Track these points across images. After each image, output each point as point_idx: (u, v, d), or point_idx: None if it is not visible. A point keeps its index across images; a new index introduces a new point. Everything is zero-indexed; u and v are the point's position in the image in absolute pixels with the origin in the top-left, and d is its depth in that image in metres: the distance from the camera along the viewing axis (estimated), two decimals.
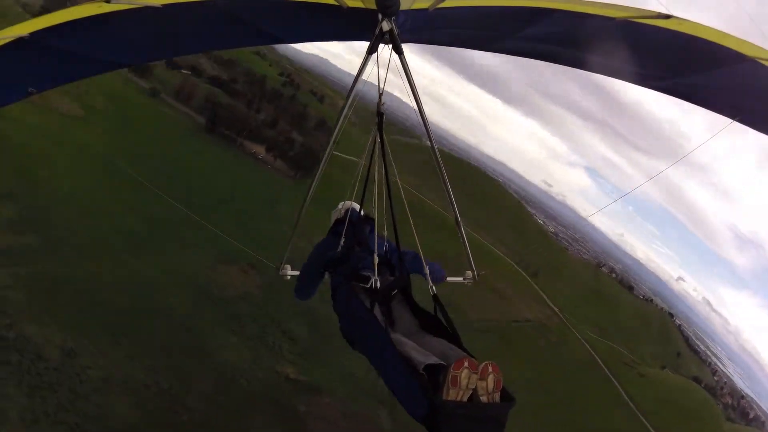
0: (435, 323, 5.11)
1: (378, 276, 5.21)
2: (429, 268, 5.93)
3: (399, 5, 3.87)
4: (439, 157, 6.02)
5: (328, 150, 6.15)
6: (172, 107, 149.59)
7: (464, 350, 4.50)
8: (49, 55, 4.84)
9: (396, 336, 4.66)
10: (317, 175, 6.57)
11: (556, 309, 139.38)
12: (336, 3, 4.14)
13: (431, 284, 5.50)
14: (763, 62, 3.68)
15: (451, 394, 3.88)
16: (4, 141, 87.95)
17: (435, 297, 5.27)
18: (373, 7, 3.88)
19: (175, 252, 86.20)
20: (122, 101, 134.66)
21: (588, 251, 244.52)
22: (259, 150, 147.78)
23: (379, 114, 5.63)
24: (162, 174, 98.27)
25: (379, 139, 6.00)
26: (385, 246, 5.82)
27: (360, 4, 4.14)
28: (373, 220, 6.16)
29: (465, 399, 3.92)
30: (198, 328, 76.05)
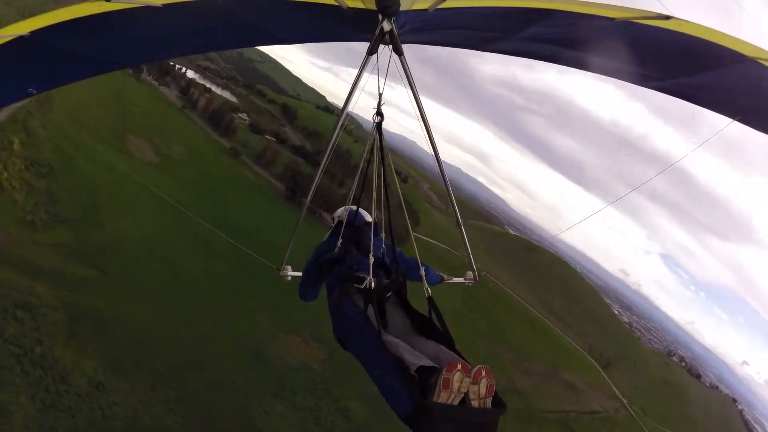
0: (428, 326, 5.21)
1: (373, 278, 5.26)
2: (424, 270, 6.06)
3: (399, 6, 3.93)
4: (440, 159, 5.88)
5: (328, 150, 6.36)
6: (252, 170, 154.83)
7: (457, 353, 4.61)
8: (49, 54, 4.92)
9: (388, 337, 4.73)
10: (318, 175, 6.76)
11: (624, 401, 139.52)
12: (336, 3, 4.16)
13: (426, 286, 5.63)
14: (763, 62, 3.72)
15: (442, 397, 3.92)
16: (75, 171, 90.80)
17: (430, 299, 5.33)
18: (373, 7, 3.94)
19: (237, 312, 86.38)
20: (200, 156, 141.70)
21: (659, 340, 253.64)
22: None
23: (379, 114, 5.72)
24: (233, 232, 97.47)
25: (378, 142, 6.15)
26: (382, 249, 6.02)
27: (360, 5, 4.17)
28: (374, 223, 6.34)
29: (456, 402, 3.96)
30: (244, 391, 75.34)
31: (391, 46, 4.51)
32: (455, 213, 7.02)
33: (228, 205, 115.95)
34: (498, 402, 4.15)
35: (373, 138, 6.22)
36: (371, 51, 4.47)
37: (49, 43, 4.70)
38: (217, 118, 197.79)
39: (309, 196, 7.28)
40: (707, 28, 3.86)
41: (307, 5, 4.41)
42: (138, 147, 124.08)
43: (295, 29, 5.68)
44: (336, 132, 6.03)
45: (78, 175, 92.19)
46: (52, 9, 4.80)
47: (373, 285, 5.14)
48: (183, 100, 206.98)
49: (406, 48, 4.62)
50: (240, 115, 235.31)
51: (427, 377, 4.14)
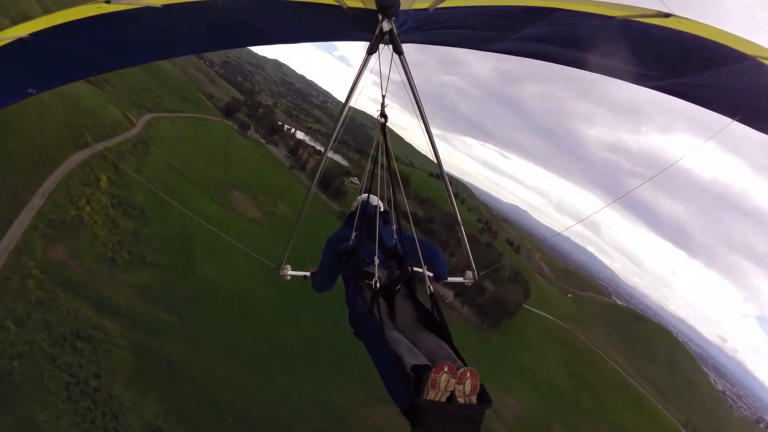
0: (433, 319, 5.51)
1: (384, 269, 5.81)
2: (435, 262, 6.77)
3: (399, 5, 4.03)
4: (440, 158, 6.08)
5: (327, 150, 6.95)
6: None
7: (453, 348, 5.01)
8: (49, 55, 5.04)
9: (392, 333, 5.14)
10: (318, 174, 7.17)
11: None
12: (336, 3, 4.28)
13: (428, 284, 6.05)
14: (763, 61, 3.71)
15: (431, 395, 4.34)
16: (169, 218, 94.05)
17: (432, 295, 5.68)
18: (373, 7, 4.05)
19: (323, 375, 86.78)
20: (306, 216, 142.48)
21: (748, 407, 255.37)
22: (448, 294, 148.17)
23: (383, 115, 5.89)
24: (332, 295, 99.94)
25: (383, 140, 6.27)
26: (395, 239, 6.23)
27: (360, 5, 4.30)
28: (388, 213, 6.73)
29: (443, 399, 4.38)
30: None
31: (391, 46, 4.59)
32: (455, 214, 7.06)
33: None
34: (483, 398, 4.54)
35: (378, 138, 6.39)
36: (371, 50, 4.57)
37: (49, 45, 4.85)
38: (327, 180, 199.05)
39: (309, 195, 7.48)
40: (707, 26, 3.90)
41: (307, 5, 4.56)
42: (241, 202, 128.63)
43: (296, 29, 5.79)
44: (336, 131, 6.30)
45: (171, 221, 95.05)
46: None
47: (379, 285, 5.46)
48: (291, 159, 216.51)
49: (407, 47, 4.72)
50: (351, 179, 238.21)
51: (422, 375, 4.48)
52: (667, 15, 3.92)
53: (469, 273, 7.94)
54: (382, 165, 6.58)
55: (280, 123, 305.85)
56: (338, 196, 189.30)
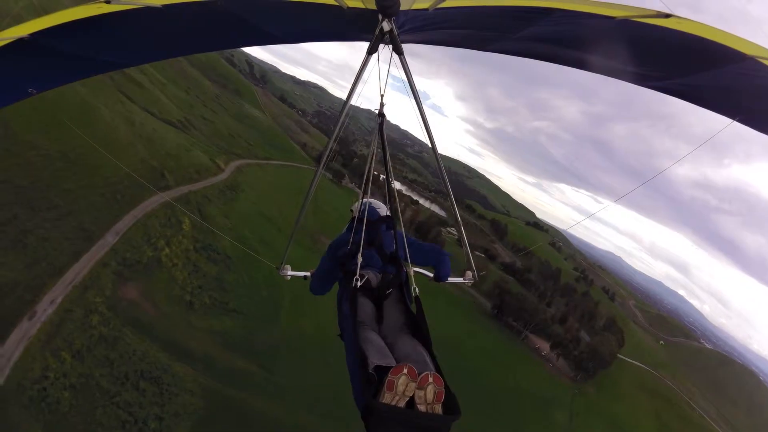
0: (418, 324, 5.51)
1: (379, 274, 5.99)
2: (441, 266, 7.05)
3: (399, 5, 4.06)
4: (440, 158, 6.16)
5: (328, 149, 6.67)
6: (458, 287, 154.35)
7: (431, 355, 4.92)
8: (49, 55, 5.25)
9: (368, 334, 5.20)
10: (317, 174, 6.96)
11: None
12: (336, 3, 4.38)
13: (413, 286, 6.11)
14: (763, 61, 3.76)
15: (386, 398, 4.20)
16: (256, 266, 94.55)
17: (417, 299, 5.85)
18: (373, 7, 4.09)
19: None
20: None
21: None
22: (543, 346, 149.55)
23: (381, 115, 6.17)
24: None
25: (379, 140, 6.55)
26: (395, 244, 6.35)
27: (360, 5, 4.37)
28: (390, 217, 6.81)
29: (401, 404, 4.23)
30: None
31: (391, 46, 4.67)
32: (455, 214, 7.46)
33: (429, 318, 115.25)
34: (450, 409, 4.34)
35: (375, 139, 6.69)
36: (371, 50, 4.64)
37: (50, 45, 5.02)
38: (423, 230, 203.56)
39: (310, 194, 7.45)
40: (707, 26, 3.92)
41: (308, 5, 4.61)
42: None
43: (296, 29, 5.89)
44: (337, 131, 6.37)
45: (259, 269, 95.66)
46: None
47: (359, 284, 5.58)
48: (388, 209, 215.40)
49: (408, 47, 4.81)
50: (448, 229, 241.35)
51: (384, 377, 4.34)
52: (668, 15, 3.95)
53: (468, 273, 8.16)
54: (377, 160, 6.96)
55: (375, 173, 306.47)
56: None
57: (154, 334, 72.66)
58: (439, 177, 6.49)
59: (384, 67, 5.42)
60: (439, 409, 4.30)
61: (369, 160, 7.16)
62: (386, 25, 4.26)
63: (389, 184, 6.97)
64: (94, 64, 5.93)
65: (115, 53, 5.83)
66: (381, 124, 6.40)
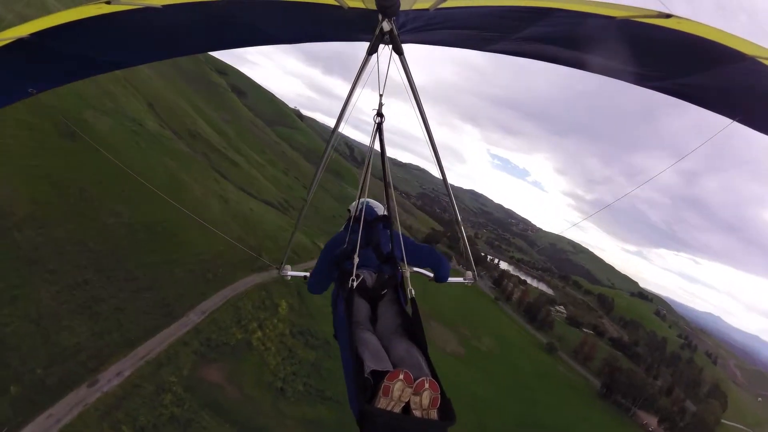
0: (414, 326, 5.81)
1: (374, 273, 6.43)
2: (440, 267, 7.52)
3: (399, 5, 4.32)
4: (439, 157, 6.63)
5: (327, 150, 7.20)
6: (567, 366, 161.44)
7: (426, 358, 5.22)
8: (49, 56, 5.72)
9: (364, 335, 5.53)
10: (318, 173, 7.54)
11: None
12: (336, 3, 4.66)
13: (409, 288, 6.33)
14: (763, 61, 3.95)
15: (382, 403, 4.48)
16: None
17: (413, 300, 6.05)
18: (373, 7, 4.35)
19: None
20: (511, 349, 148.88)
21: None
22: (651, 421, 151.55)
23: (379, 114, 6.41)
24: None
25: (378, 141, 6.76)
26: (390, 244, 6.76)
27: (360, 5, 4.64)
28: (386, 217, 7.18)
29: (396, 410, 4.52)
30: None
31: (391, 46, 4.95)
32: (455, 213, 7.88)
33: (537, 403, 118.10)
34: (446, 415, 4.62)
35: (373, 140, 6.86)
36: (371, 51, 4.94)
37: (49, 45, 5.49)
38: (533, 311, 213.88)
39: (310, 194, 8.17)
40: (707, 26, 4.14)
41: (307, 5, 4.96)
42: (441, 335, 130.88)
43: (295, 29, 6.27)
44: (334, 133, 6.92)
45: None
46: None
47: (355, 285, 5.94)
48: (496, 291, 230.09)
49: (407, 47, 5.10)
50: (557, 308, 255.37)
51: (379, 381, 4.61)
52: (668, 15, 4.18)
53: (469, 273, 8.68)
54: (384, 161, 7.16)
55: (483, 254, 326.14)
56: (544, 327, 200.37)
57: (237, 420, 73.40)
58: (443, 180, 6.96)
59: (384, 67, 5.65)
60: (434, 414, 4.57)
61: (367, 160, 7.51)
62: (386, 25, 4.51)
63: (386, 185, 7.28)
64: (94, 64, 6.38)
65: (115, 53, 6.27)
66: (380, 125, 6.60)
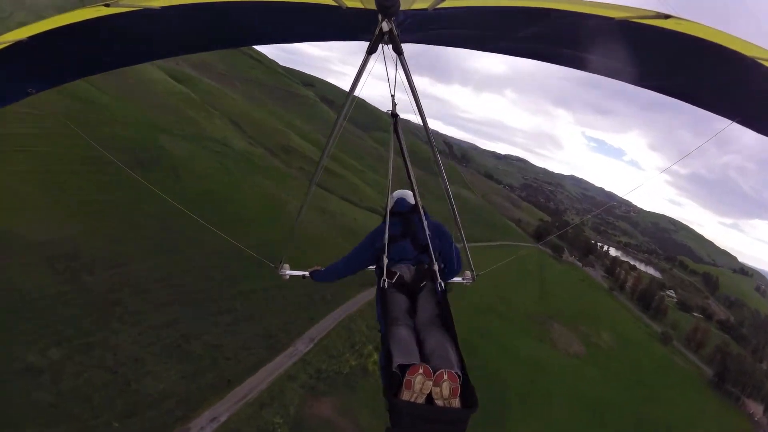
0: (445, 317, 6.68)
1: (413, 266, 7.42)
2: (452, 264, 8.27)
3: (399, 5, 4.61)
4: (438, 156, 7.22)
5: (327, 148, 7.63)
6: (681, 355, 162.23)
7: (456, 349, 6.02)
8: (48, 57, 6.26)
9: (399, 330, 6.36)
10: (317, 173, 8.37)
11: None
12: (335, 3, 5.05)
13: (439, 280, 7.25)
14: (762, 62, 4.25)
15: (405, 395, 5.29)
16: (489, 357, 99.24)
17: (444, 293, 7.03)
18: (373, 7, 4.64)
19: None
20: (629, 343, 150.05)
21: None
22: (757, 410, 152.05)
23: (394, 115, 7.48)
24: None
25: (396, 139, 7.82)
26: (429, 235, 7.65)
27: (359, 5, 5.01)
28: (422, 208, 7.96)
29: (420, 401, 5.32)
30: None
31: (391, 46, 5.19)
32: (453, 211, 8.44)
33: (655, 400, 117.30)
34: (467, 402, 5.45)
35: (393, 138, 7.98)
36: (371, 51, 5.21)
37: (48, 47, 6.02)
38: (647, 298, 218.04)
39: (309, 194, 9.07)
40: (706, 27, 4.46)
41: (306, 5, 5.45)
42: (562, 336, 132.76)
43: (295, 29, 6.74)
44: (335, 131, 7.11)
45: (489, 367, 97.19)
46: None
47: (385, 285, 7.03)
48: (610, 281, 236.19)
49: (407, 46, 5.37)
50: (667, 292, 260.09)
51: (405, 375, 5.42)
52: (667, 16, 4.52)
53: (468, 273, 9.63)
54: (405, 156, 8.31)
55: (593, 241, 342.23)
56: (657, 316, 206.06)
57: None
58: (441, 179, 7.73)
59: (390, 68, 6.35)
60: (456, 403, 5.36)
61: (390, 159, 8.57)
62: (386, 25, 4.76)
63: (411, 180, 8.38)
64: (94, 63, 7.21)
65: (115, 53, 6.89)
66: (395, 125, 7.67)
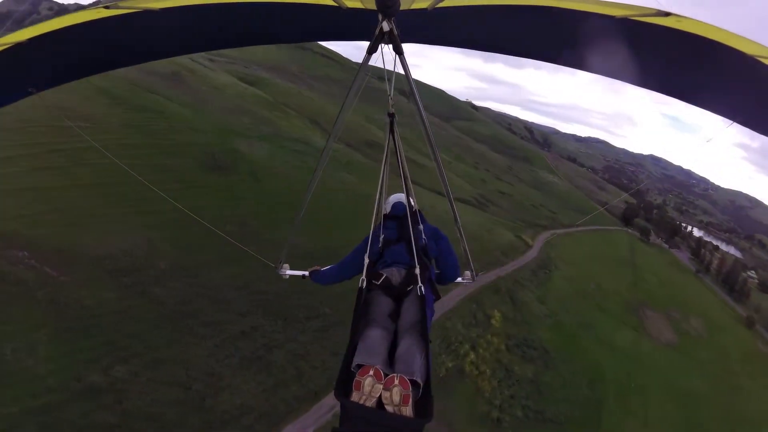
0: (424, 324, 6.60)
1: (403, 269, 7.33)
2: (448, 269, 8.44)
3: (399, 5, 4.82)
4: (438, 155, 7.21)
5: (326, 146, 8.23)
6: (764, 340, 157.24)
7: (424, 355, 5.97)
8: (48, 58, 6.56)
9: (371, 332, 6.30)
10: (316, 172, 8.62)
11: None
12: (336, 4, 5.35)
13: (420, 285, 7.01)
14: (762, 60, 4.27)
15: (354, 396, 5.25)
16: (578, 358, 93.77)
17: (421, 298, 6.82)
18: (373, 7, 4.87)
19: None
20: (716, 329, 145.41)
21: None
22: None
23: (391, 115, 7.56)
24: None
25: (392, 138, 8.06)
26: (423, 240, 7.86)
27: (358, 5, 5.36)
28: (417, 212, 8.15)
29: (369, 404, 5.21)
30: None
31: (391, 46, 5.42)
32: (453, 211, 8.84)
33: (741, 390, 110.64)
34: (421, 412, 5.30)
35: (388, 138, 8.11)
36: (371, 50, 5.40)
37: (49, 48, 6.25)
38: (731, 280, 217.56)
39: (308, 193, 9.11)
40: (706, 24, 4.45)
41: (308, 6, 5.72)
42: (655, 323, 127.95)
43: (295, 29, 7.29)
44: (335, 128, 7.65)
45: (581, 359, 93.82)
46: None
47: (364, 285, 7.00)
48: (695, 262, 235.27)
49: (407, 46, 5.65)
50: (749, 273, 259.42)
51: None
52: (667, 14, 4.51)
53: (467, 273, 9.65)
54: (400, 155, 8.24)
55: (678, 222, 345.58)
56: (742, 298, 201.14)
57: None
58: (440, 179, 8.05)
59: (389, 66, 6.33)
60: (408, 411, 5.17)
61: (384, 160, 8.27)
62: (386, 25, 4.96)
63: (406, 181, 8.51)
64: (93, 63, 7.49)
65: (114, 54, 7.28)
66: (391, 124, 7.75)
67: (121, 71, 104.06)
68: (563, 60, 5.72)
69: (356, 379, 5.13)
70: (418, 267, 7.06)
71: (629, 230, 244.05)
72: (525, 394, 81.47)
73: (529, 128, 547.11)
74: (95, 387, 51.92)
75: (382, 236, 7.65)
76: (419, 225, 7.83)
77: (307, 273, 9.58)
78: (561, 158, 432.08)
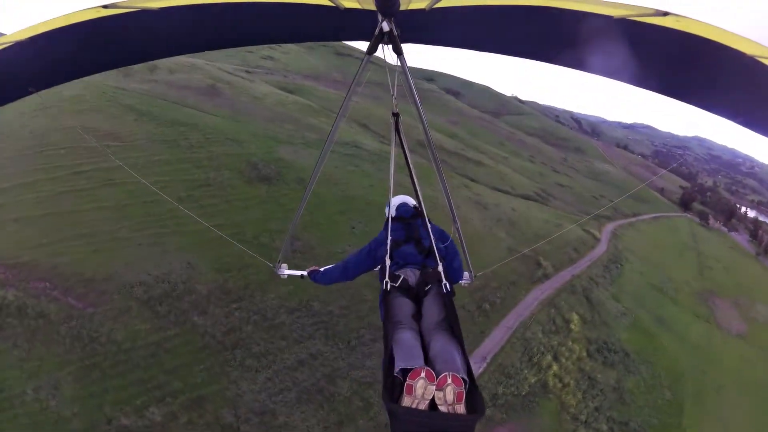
0: (450, 319, 6.65)
1: (418, 270, 7.43)
2: (454, 271, 8.33)
3: (399, 6, 4.89)
4: (437, 155, 7.61)
5: (325, 146, 8.15)
6: None
7: (461, 352, 5.96)
8: (48, 57, 6.39)
9: (402, 334, 6.28)
10: (315, 172, 8.65)
11: None
12: (334, 4, 5.39)
13: (444, 282, 7.08)
14: (763, 60, 4.24)
15: (406, 401, 5.12)
16: (660, 355, 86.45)
17: (447, 295, 6.94)
18: (373, 7, 4.92)
19: None
20: None
21: None
22: None
23: (395, 114, 7.80)
24: None
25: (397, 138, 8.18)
26: (432, 239, 7.82)
27: (356, 5, 5.39)
28: (422, 212, 8.46)
29: (421, 407, 5.10)
30: None
31: (391, 46, 5.53)
32: (452, 214, 8.81)
33: None
34: (473, 408, 5.27)
35: (393, 138, 8.21)
36: (370, 51, 5.57)
37: (48, 48, 6.09)
38: None
39: (308, 193, 9.12)
40: (706, 24, 4.49)
41: (306, 6, 5.73)
42: (724, 313, 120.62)
43: (295, 30, 7.34)
44: (334, 127, 7.74)
45: (660, 360, 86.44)
46: None
47: (388, 287, 7.08)
48: (755, 245, 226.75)
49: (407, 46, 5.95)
50: None
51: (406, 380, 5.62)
52: (665, 14, 4.55)
53: (466, 274, 9.41)
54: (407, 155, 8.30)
55: (734, 203, 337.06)
56: None
57: None
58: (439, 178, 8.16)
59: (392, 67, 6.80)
60: (461, 408, 5.14)
61: (392, 156, 8.69)
62: (386, 26, 5.01)
63: (413, 180, 8.45)
64: (93, 63, 7.18)
65: (114, 53, 7.09)
66: (396, 124, 7.89)
67: (149, 87, 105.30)
68: (562, 60, 5.55)
69: (407, 382, 5.02)
70: (440, 264, 7.16)
71: (688, 215, 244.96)
72: (609, 404, 74.97)
73: (576, 119, 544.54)
74: (127, 431, 48.39)
75: (390, 238, 7.60)
76: (430, 223, 7.97)
77: (305, 273, 9.64)
78: (612, 146, 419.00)
